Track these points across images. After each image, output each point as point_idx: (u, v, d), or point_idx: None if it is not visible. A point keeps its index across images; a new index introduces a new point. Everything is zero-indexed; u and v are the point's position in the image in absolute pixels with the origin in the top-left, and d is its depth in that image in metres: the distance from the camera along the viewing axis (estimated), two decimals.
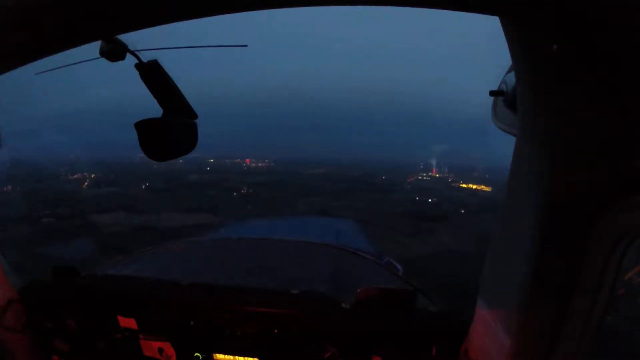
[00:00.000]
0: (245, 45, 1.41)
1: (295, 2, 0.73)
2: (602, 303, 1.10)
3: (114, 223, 28.60)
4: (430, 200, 42.04)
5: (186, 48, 1.15)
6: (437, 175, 54.13)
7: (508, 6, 0.79)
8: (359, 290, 1.94)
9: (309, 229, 5.70)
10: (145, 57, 1.09)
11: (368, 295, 1.93)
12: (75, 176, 43.18)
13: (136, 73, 1.11)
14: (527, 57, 0.97)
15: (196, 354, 2.04)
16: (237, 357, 2.02)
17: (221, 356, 2.04)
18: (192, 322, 2.01)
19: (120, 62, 1.04)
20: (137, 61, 1.08)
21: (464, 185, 47.85)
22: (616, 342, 1.26)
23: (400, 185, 50.54)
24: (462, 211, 35.29)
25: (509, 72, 1.21)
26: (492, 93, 1.32)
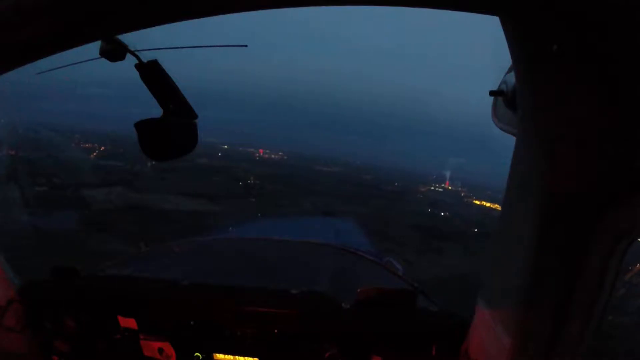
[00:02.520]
0: (246, 46, 1.41)
1: (296, 2, 0.73)
2: (602, 303, 1.09)
3: (107, 199, 27.52)
4: (442, 214, 40.87)
5: (186, 48, 1.15)
6: (450, 188, 53.18)
7: (508, 6, 0.79)
8: (359, 290, 1.94)
9: (309, 228, 5.70)
10: (146, 57, 1.09)
11: (368, 295, 1.93)
12: (86, 145, 42.52)
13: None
14: (527, 57, 0.97)
15: (196, 354, 2.04)
16: (237, 357, 2.02)
17: (221, 356, 2.03)
18: (192, 322, 2.01)
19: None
20: (137, 61, 1.08)
21: (477, 202, 46.18)
22: (616, 342, 1.26)
23: (412, 194, 49.50)
24: (475, 230, 34.28)
25: (509, 72, 1.21)
26: (492, 93, 1.31)
